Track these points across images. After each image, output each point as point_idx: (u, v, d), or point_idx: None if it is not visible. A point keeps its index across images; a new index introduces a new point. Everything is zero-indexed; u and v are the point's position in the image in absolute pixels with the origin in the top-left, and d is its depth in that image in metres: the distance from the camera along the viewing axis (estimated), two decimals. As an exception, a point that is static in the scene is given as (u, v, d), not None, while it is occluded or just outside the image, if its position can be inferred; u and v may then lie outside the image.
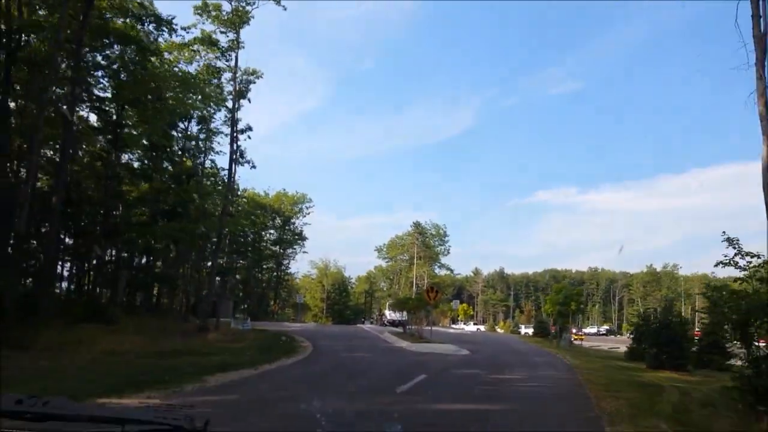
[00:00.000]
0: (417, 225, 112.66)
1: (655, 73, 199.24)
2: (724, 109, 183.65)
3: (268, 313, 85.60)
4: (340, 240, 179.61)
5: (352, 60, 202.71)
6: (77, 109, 39.48)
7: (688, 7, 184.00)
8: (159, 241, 42.42)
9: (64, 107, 33.00)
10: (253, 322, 67.21)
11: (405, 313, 75.86)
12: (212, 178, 53.19)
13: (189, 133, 48.79)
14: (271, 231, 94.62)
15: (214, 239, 45.54)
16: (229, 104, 42.28)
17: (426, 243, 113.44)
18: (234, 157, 46.70)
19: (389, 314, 75.17)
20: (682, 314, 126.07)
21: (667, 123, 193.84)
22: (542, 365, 25.41)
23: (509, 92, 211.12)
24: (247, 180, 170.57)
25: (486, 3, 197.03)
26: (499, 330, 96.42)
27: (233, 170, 42.53)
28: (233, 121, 41.01)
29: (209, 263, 74.75)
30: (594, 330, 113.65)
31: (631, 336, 33.81)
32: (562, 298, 39.93)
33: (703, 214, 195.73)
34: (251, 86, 44.30)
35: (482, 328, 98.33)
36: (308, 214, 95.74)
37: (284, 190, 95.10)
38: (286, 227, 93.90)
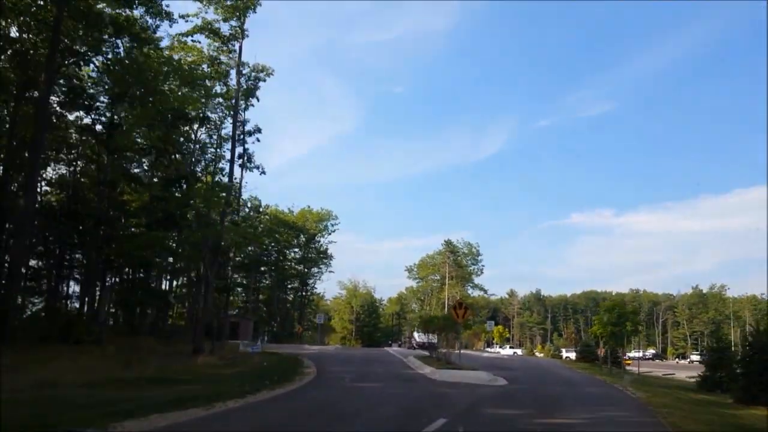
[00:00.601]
0: (448, 243, 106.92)
1: (693, 93, 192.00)
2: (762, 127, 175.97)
3: (292, 335, 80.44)
4: (372, 263, 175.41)
5: (383, 84, 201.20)
6: (66, 112, 35.70)
7: (720, 24, 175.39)
8: (151, 253, 37.82)
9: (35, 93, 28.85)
10: (273, 344, 62.26)
11: (434, 335, 70.53)
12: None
13: (196, 137, 44.38)
14: (296, 249, 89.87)
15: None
16: (233, 100, 37.65)
17: (458, 262, 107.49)
18: (241, 161, 42.23)
19: (418, 336, 69.56)
20: (731, 337, 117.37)
21: (707, 143, 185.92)
22: (603, 400, 19.63)
23: (542, 114, 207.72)
24: (271, 197, 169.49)
25: (516, 25, 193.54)
26: (538, 354, 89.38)
27: (233, 171, 37.46)
28: (235, 118, 36.29)
29: (222, 279, 70.85)
30: (639, 354, 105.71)
31: (702, 361, 27.75)
32: (615, 318, 33.83)
33: (745, 235, 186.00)
34: (261, 84, 39.92)
35: (519, 351, 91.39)
36: (333, 231, 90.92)
37: (309, 207, 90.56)
38: (311, 245, 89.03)
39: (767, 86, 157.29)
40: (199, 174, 42.18)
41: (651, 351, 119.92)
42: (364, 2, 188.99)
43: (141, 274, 47.73)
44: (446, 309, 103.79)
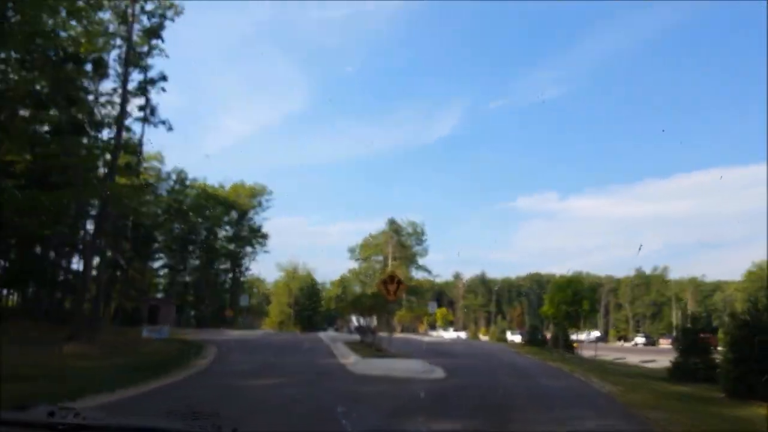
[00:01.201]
0: (392, 222, 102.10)
1: (639, 78, 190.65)
2: (709, 113, 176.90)
3: (222, 319, 74.26)
4: (322, 246, 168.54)
5: (334, 63, 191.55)
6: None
7: (673, 10, 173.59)
8: (35, 221, 31.46)
9: None
10: (195, 329, 56.51)
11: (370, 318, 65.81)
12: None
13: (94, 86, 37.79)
14: (228, 227, 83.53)
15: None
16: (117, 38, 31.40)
17: (402, 242, 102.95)
18: (143, 114, 36.13)
19: (355, 319, 64.71)
20: (672, 318, 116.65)
21: (653, 127, 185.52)
22: (569, 399, 15.03)
23: (494, 97, 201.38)
24: (215, 176, 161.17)
25: (470, 7, 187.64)
26: (482, 337, 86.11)
27: (122, 123, 31.22)
28: (127, 59, 30.19)
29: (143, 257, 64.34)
30: (584, 336, 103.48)
31: (676, 345, 23.81)
32: (570, 296, 29.60)
33: (686, 220, 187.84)
34: (168, 23, 33.82)
35: (463, 335, 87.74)
36: (268, 208, 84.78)
37: (242, 181, 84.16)
38: (243, 222, 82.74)
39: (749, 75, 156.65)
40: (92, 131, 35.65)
41: (595, 333, 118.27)
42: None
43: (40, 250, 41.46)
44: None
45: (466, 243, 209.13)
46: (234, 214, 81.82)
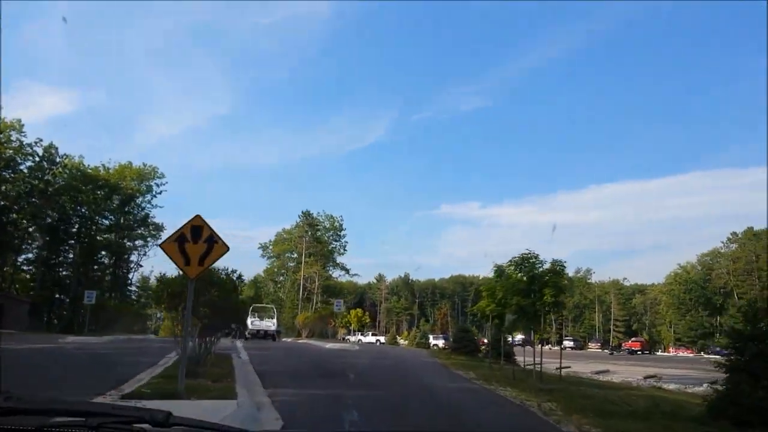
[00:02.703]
0: (307, 215, 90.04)
1: (556, 93, 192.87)
2: (619, 127, 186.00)
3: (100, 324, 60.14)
4: (247, 250, 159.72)
5: (265, 69, 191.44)
6: None
7: (594, 25, 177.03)
8: None
9: None
10: (41, 334, 42.87)
11: (274, 319, 53.74)
12: None
13: None
14: (112, 216, 69.35)
15: None
16: None
17: (317, 238, 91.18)
18: None
19: (252, 322, 52.46)
20: (594, 321, 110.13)
21: (569, 141, 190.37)
22: None
23: (421, 107, 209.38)
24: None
25: (397, 18, 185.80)
26: (401, 341, 75.32)
27: None
28: None
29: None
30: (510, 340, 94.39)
31: (727, 358, 13.35)
32: (524, 285, 18.88)
33: (598, 228, 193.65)
34: None
35: (383, 339, 76.90)
36: (160, 193, 71.12)
37: (130, 162, 70.29)
38: (128, 209, 68.79)
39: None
40: None
41: (519, 336, 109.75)
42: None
43: None
44: (301, 291, 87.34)
45: (391, 248, 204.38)
46: (116, 200, 67.86)
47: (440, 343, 58.01)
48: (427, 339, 51.06)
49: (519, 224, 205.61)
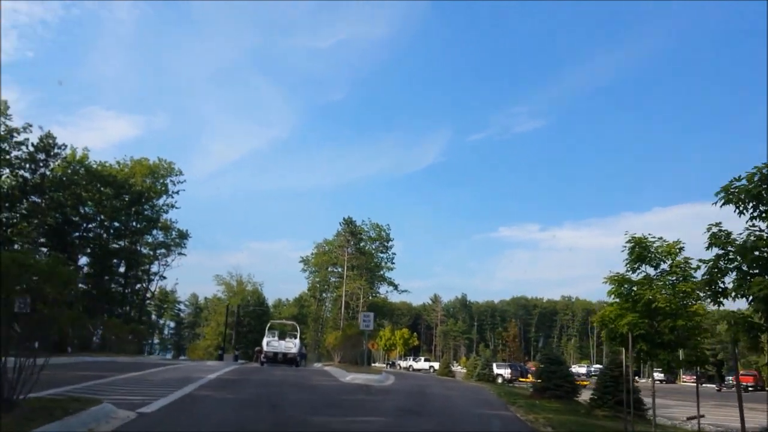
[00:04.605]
0: (348, 222, 78.69)
1: (617, 114, 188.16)
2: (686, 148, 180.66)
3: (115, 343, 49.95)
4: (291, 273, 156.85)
5: (321, 91, 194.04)
6: None
7: (652, 45, 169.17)
8: None
9: None
10: (53, 357, 33.08)
11: (296, 340, 42.37)
12: None
13: None
14: (123, 217, 59.69)
15: None
16: None
17: (361, 248, 79.72)
18: None
19: (268, 342, 41.26)
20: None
21: (631, 163, 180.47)
22: None
23: (476, 128, 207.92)
24: (203, 201, 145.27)
25: (452, 40, 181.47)
26: (458, 369, 62.70)
27: None
28: None
29: None
30: (583, 370, 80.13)
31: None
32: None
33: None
34: None
35: (436, 366, 64.64)
36: (177, 192, 61.26)
37: (146, 158, 60.91)
38: (140, 208, 58.89)
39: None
40: None
41: (597, 366, 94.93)
42: (302, 3, 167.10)
43: None
44: (344, 308, 75.88)
45: (447, 270, 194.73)
46: (126, 199, 58.16)
47: (506, 373, 45.53)
48: (491, 369, 38.61)
49: (580, 247, 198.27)
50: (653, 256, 12.92)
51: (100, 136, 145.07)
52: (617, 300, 13.10)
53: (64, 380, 16.55)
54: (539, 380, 21.94)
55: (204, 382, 18.79)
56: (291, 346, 40.48)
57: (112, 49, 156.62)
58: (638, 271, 13.04)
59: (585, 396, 22.19)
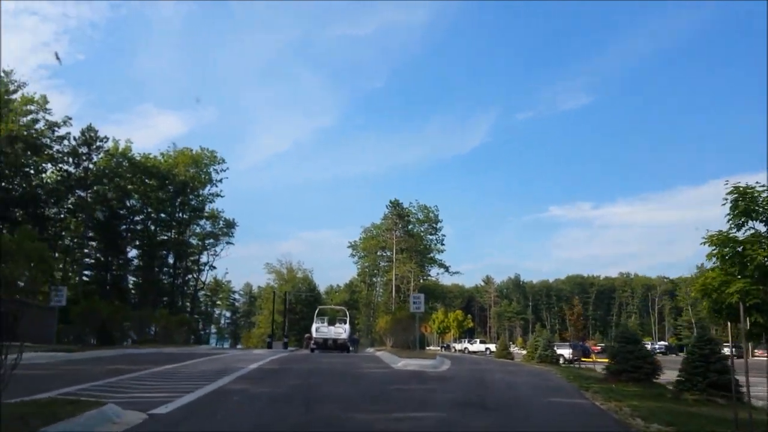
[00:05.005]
0: (395, 205, 76.66)
1: (669, 84, 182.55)
2: (738, 118, 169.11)
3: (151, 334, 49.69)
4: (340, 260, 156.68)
5: (363, 78, 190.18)
6: None
7: (699, 14, 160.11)
8: None
9: None
10: (99, 350, 30.63)
11: (345, 325, 40.72)
12: None
13: None
14: (167, 208, 59.31)
15: None
16: None
17: (409, 231, 77.67)
18: None
19: (317, 329, 39.90)
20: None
21: (683, 134, 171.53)
22: None
23: (523, 107, 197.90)
24: (247, 193, 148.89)
25: (494, 18, 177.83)
26: (515, 350, 59.95)
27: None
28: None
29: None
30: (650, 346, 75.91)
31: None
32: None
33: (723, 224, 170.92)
34: None
35: (492, 347, 62.19)
36: (220, 180, 60.39)
37: (189, 148, 60.21)
38: (185, 198, 58.29)
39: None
40: None
41: (661, 343, 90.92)
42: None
43: None
44: (394, 292, 74.13)
45: (499, 253, 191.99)
46: (170, 190, 57.58)
47: (567, 353, 42.89)
48: (553, 350, 36.13)
49: (634, 223, 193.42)
50: (762, 209, 10.51)
51: (154, 133, 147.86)
52: (719, 264, 10.74)
53: (89, 376, 15.20)
54: (616, 360, 19.48)
55: (242, 373, 17.19)
56: (341, 331, 39.03)
57: (160, 47, 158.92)
58: (744, 228, 10.66)
59: (664, 378, 19.71)
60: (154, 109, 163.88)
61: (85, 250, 55.10)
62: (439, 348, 69.02)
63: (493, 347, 62.03)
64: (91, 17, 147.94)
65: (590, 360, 39.08)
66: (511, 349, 51.53)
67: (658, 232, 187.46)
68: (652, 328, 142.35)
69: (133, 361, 22.17)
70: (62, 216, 51.16)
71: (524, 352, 49.55)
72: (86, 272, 58.48)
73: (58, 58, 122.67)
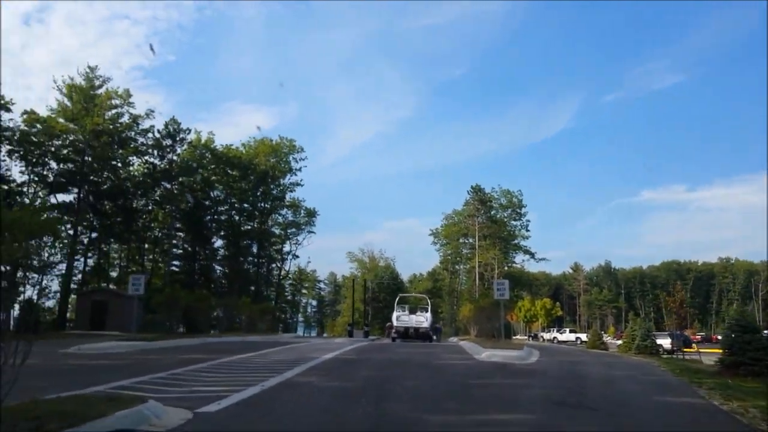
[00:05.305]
0: (477, 190, 74.32)
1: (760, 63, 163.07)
2: None
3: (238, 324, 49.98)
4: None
5: (442, 67, 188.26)
6: None
7: None
8: None
9: None
10: (180, 339, 30.83)
11: (427, 313, 39.34)
12: None
13: None
14: (249, 198, 59.85)
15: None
16: None
17: (492, 217, 75.17)
18: None
19: (398, 317, 38.87)
20: None
21: None
22: None
23: (610, 89, 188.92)
24: (332, 187, 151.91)
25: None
26: (609, 340, 56.56)
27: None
28: None
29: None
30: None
31: None
32: None
33: None
34: None
35: (583, 337, 59.08)
36: (299, 169, 60.32)
37: (269, 139, 60.46)
38: (268, 188, 58.55)
39: None
40: None
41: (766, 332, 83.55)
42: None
43: None
44: (477, 280, 72.06)
45: (588, 239, 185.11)
46: (252, 180, 57.98)
47: (665, 343, 39.62)
48: (653, 339, 33.26)
49: (732, 206, 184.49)
50: None
51: (239, 131, 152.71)
52: None
53: (156, 366, 14.53)
54: (730, 351, 17.06)
55: (314, 363, 16.14)
56: (422, 320, 37.85)
57: (243, 47, 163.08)
58: None
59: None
60: (239, 106, 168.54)
61: (174, 241, 56.45)
62: (526, 337, 66.54)
63: (584, 337, 58.92)
64: (179, 19, 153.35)
65: (692, 350, 35.91)
66: (605, 338, 48.47)
67: (760, 215, 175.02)
68: (756, 315, 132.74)
69: (210, 350, 21.68)
70: (150, 208, 52.56)
71: (618, 342, 46.55)
72: (175, 263, 60.06)
73: (152, 50, 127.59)
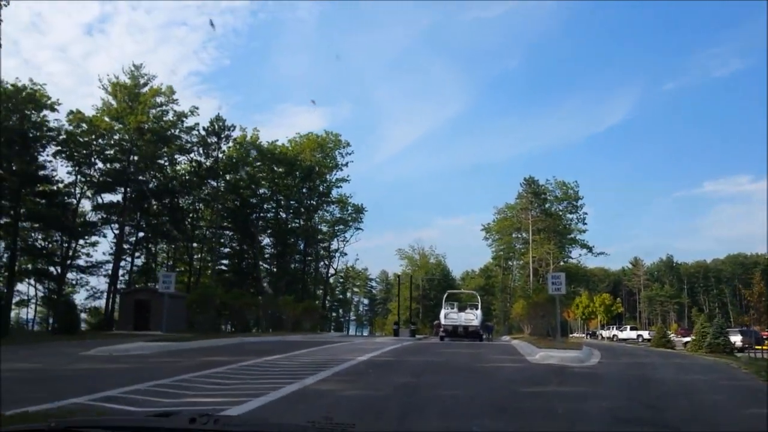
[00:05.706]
0: (530, 182, 71.21)
1: None
2: None
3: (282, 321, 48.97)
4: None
5: (494, 62, 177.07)
6: None
7: None
8: None
9: None
10: (215, 339, 29.47)
11: (477, 311, 37.15)
12: None
13: None
14: (296, 194, 58.71)
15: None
16: None
17: (546, 210, 71.93)
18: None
19: (446, 315, 36.87)
20: None
21: None
22: None
23: (671, 77, 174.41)
24: (384, 186, 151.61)
25: None
26: (675, 337, 52.88)
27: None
28: None
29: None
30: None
31: None
32: None
33: None
34: None
35: (646, 335, 55.49)
36: (345, 164, 58.77)
37: (316, 135, 59.17)
38: (313, 184, 57.27)
39: None
40: None
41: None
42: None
43: None
44: (531, 276, 69.15)
45: (646, 232, 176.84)
46: (298, 176, 56.76)
47: (737, 340, 36.34)
48: (726, 337, 30.12)
49: None
50: None
51: (293, 132, 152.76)
52: None
53: (168, 371, 13.00)
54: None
55: (344, 367, 14.36)
56: (471, 317, 35.78)
57: (296, 48, 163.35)
58: None
59: None
60: (292, 107, 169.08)
61: (222, 240, 55.88)
62: (584, 335, 63.26)
63: (645, 334, 55.54)
64: (234, 24, 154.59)
65: (765, 348, 32.58)
66: (670, 336, 45.08)
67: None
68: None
69: (241, 351, 20.23)
70: (197, 206, 52.09)
71: (684, 339, 43.18)
72: (224, 261, 59.60)
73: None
